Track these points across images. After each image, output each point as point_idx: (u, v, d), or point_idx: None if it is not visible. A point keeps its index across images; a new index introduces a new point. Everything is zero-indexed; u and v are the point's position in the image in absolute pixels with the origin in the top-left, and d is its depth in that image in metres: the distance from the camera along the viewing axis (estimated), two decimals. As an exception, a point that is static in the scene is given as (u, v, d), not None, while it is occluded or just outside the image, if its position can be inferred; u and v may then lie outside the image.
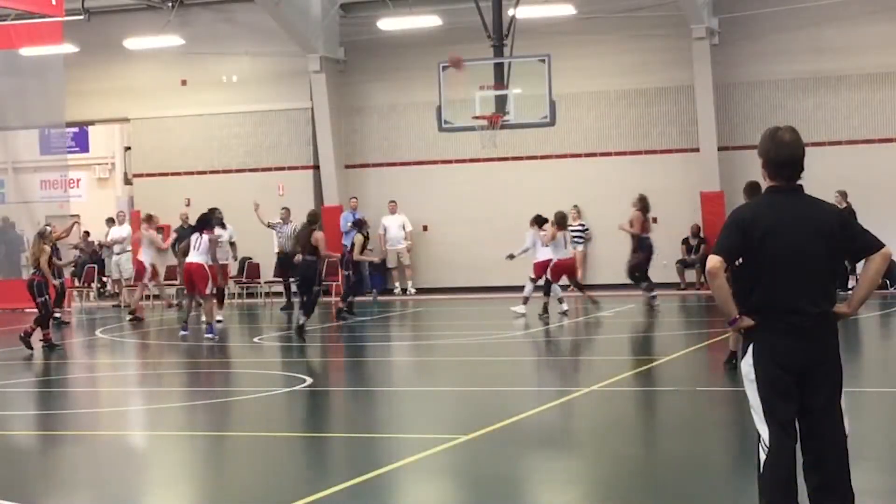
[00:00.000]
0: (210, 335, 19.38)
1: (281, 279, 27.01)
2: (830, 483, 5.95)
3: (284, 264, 26.55)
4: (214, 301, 20.50)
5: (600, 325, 21.21)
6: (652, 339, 18.80)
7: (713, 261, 5.98)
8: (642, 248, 22.26)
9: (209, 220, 20.38)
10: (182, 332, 19.65)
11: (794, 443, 5.97)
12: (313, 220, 19.21)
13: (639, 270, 22.37)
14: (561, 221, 21.54)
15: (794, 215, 5.98)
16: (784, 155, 6.00)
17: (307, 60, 29.60)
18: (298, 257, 19.03)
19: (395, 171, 30.28)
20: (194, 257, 19.75)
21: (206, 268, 19.73)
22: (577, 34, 28.19)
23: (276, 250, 27.42)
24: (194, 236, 20.01)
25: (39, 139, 31.87)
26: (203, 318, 20.29)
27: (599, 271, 28.10)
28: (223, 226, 22.83)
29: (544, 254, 21.62)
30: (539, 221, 22.28)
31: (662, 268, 26.01)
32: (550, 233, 21.36)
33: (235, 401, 13.07)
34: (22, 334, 18.34)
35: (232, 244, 24.72)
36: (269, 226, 26.97)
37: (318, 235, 18.71)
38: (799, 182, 6.07)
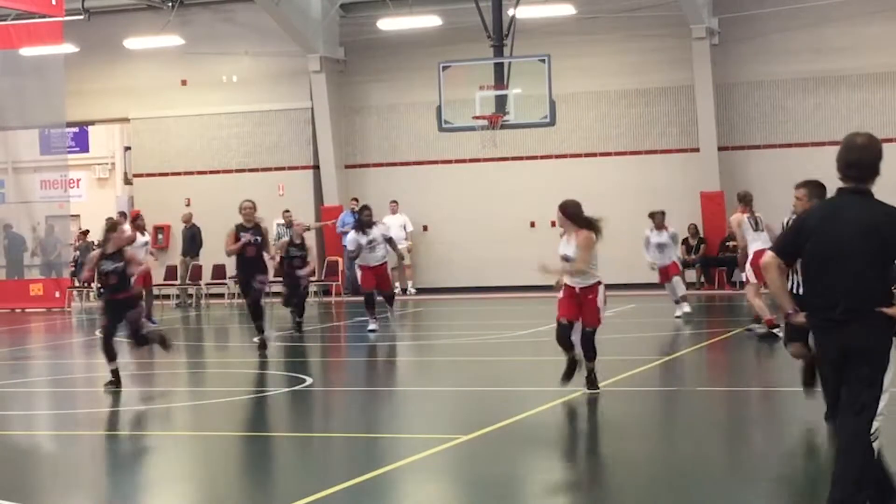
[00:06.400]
0: None
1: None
2: (839, 476, 6.11)
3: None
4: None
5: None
6: (652, 339, 18.78)
7: (767, 256, 6.38)
8: None
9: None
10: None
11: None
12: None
13: None
14: (745, 200, 17.21)
15: (841, 215, 6.15)
16: (851, 158, 6.26)
17: (307, 60, 29.61)
18: None
19: (395, 171, 30.28)
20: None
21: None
22: (577, 34, 28.19)
23: (273, 254, 27.32)
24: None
25: (39, 139, 31.86)
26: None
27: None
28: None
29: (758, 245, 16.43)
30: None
31: (662, 268, 25.98)
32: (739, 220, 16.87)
33: (235, 401, 13.06)
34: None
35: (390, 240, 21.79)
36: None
37: None
38: (869, 185, 6.20)
